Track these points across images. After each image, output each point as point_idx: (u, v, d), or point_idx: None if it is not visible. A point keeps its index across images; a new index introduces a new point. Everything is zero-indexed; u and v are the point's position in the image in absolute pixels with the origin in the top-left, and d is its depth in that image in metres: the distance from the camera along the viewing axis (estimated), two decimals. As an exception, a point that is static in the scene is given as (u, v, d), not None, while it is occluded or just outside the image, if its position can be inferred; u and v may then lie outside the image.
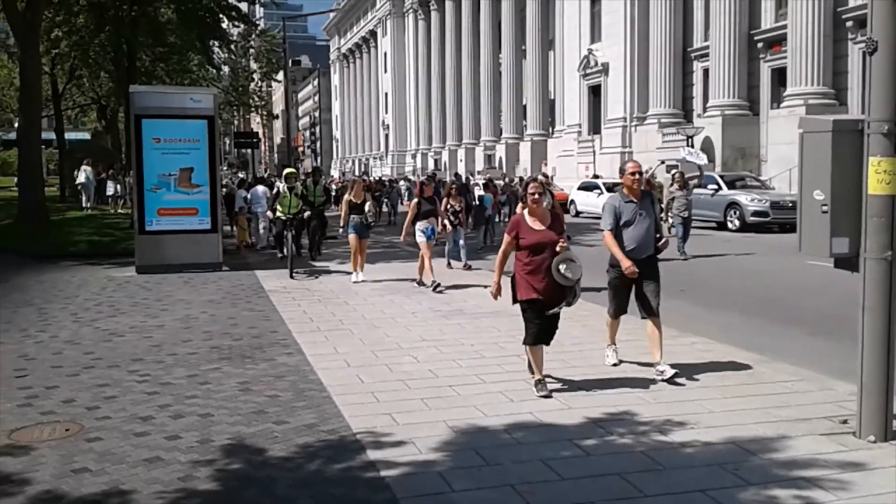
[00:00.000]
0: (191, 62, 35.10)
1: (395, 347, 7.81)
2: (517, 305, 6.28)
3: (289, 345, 7.97)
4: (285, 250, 14.73)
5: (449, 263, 14.09)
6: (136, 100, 14.03)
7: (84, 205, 30.19)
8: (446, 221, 13.67)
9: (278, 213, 14.40)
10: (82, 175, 31.00)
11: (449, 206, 13.80)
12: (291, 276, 12.89)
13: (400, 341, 8.08)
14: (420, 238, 12.12)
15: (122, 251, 16.04)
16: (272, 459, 4.81)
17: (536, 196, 6.14)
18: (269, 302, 10.64)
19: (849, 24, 27.69)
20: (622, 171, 6.80)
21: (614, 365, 7.01)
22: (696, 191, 25.69)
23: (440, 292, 11.21)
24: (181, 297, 11.04)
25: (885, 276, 4.94)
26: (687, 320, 9.36)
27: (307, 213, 14.48)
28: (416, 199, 12.48)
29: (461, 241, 14.17)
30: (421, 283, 11.92)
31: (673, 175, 17.83)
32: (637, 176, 6.67)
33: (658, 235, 6.79)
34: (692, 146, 32.00)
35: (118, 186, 31.02)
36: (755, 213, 21.87)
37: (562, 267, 5.96)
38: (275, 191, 16.58)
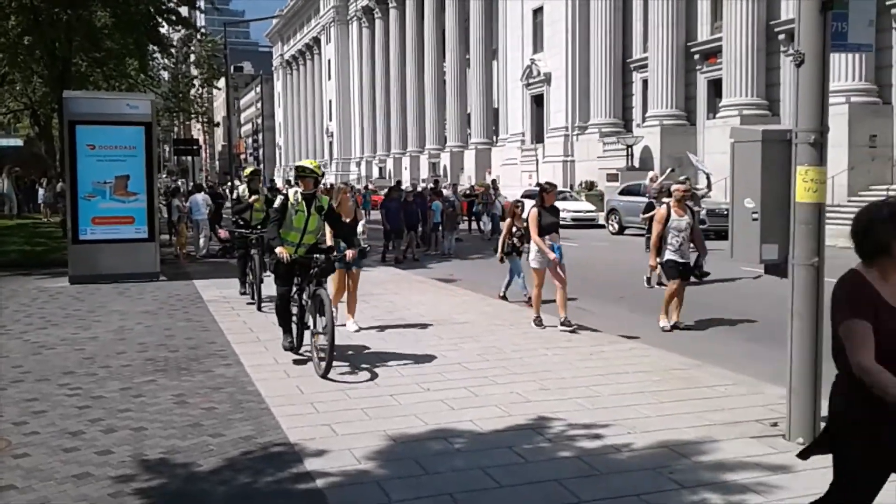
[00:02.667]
0: (129, 67, 34.34)
1: (337, 357, 7.73)
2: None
3: (227, 356, 7.83)
4: (249, 278, 11.46)
5: (504, 295, 11.59)
6: (70, 105, 13.67)
7: (6, 213, 29.43)
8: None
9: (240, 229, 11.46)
10: (3, 184, 30.26)
11: (515, 230, 11.03)
12: (259, 308, 10.48)
13: (341, 351, 8.00)
14: (535, 263, 9.29)
15: (55, 261, 15.58)
16: (206, 473, 4.71)
17: None
18: (207, 312, 10.45)
19: (781, 37, 28.58)
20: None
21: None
22: (633, 198, 26.20)
23: (573, 330, 8.83)
24: (116, 308, 10.76)
25: (812, 282, 5.09)
26: (625, 326, 9.50)
27: (255, 235, 11.06)
28: (534, 209, 9.30)
29: (521, 270, 11.32)
30: (539, 323, 9.17)
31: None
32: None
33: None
34: (632, 155, 32.59)
35: (48, 194, 30.24)
36: (692, 221, 22.35)
37: None
38: (235, 195, 12.53)
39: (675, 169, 26.94)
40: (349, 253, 7.68)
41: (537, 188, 10.00)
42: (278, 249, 7.16)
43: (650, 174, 20.59)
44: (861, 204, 18.65)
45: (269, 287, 9.20)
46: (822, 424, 5.15)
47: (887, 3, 24.57)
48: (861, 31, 5.29)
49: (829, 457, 3.16)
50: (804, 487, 4.39)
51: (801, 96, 5.08)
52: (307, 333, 7.47)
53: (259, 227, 11.08)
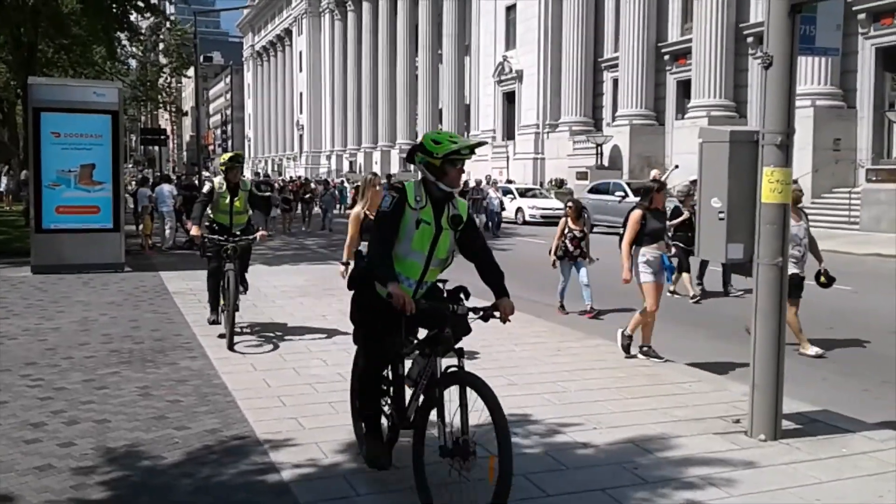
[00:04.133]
0: (96, 54, 33.81)
1: (304, 351, 7.70)
2: None
3: (193, 348, 7.75)
4: (221, 303, 8.53)
5: (562, 306, 10.64)
6: (35, 92, 13.44)
7: None
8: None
9: (207, 233, 8.34)
10: None
11: (568, 231, 10.41)
12: (231, 348, 7.63)
13: (309, 344, 7.98)
14: (646, 276, 7.58)
15: (17, 250, 15.31)
16: (171, 466, 4.66)
17: None
18: (173, 304, 10.33)
19: (749, 39, 28.97)
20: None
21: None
22: (601, 197, 26.28)
23: (648, 354, 7.63)
24: (80, 299, 10.60)
25: (776, 281, 5.17)
26: (593, 323, 9.58)
27: (231, 245, 8.14)
28: (637, 211, 7.74)
29: (585, 278, 10.40)
30: (648, 352, 7.60)
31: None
32: None
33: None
34: (601, 154, 32.82)
35: (11, 182, 29.69)
36: (660, 220, 22.62)
37: None
38: (206, 188, 8.94)
39: (678, 166, 26.86)
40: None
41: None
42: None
43: (653, 173, 20.11)
44: (825, 206, 18.94)
45: (249, 314, 8.88)
46: (784, 420, 5.26)
47: (853, 8, 25.01)
48: (828, 35, 5.38)
49: (790, 453, 3.20)
50: (766, 482, 4.47)
51: (769, 98, 5.16)
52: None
53: (240, 233, 8.37)
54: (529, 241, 21.39)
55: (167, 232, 18.32)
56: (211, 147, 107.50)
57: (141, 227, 18.21)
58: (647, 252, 7.59)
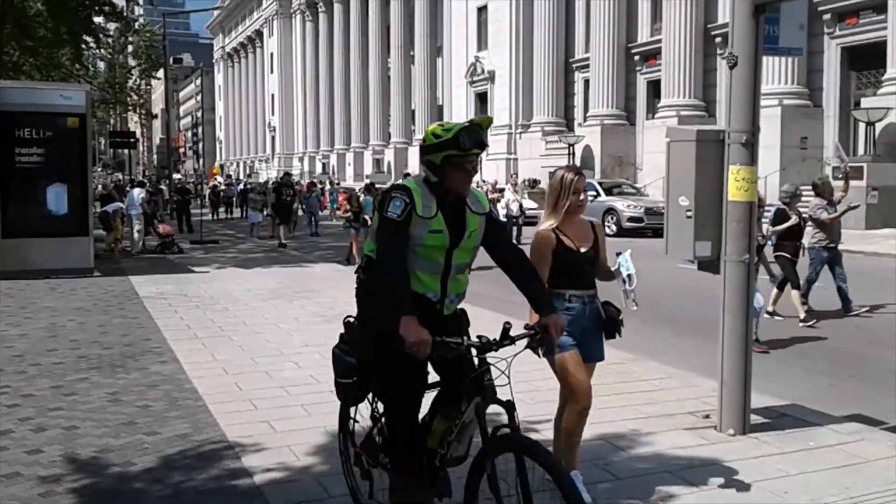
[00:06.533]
0: (62, 57, 33.36)
1: (277, 353, 7.66)
2: None
3: (163, 353, 7.68)
4: None
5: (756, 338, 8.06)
6: (1, 95, 13.23)
7: None
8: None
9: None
10: None
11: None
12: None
13: (282, 347, 7.94)
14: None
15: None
16: (141, 472, 4.61)
17: None
18: (143, 309, 10.23)
19: (717, 40, 29.28)
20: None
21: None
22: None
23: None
24: (47, 305, 10.46)
25: (743, 278, 5.24)
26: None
27: None
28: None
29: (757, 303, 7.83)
30: None
31: (816, 183, 10.94)
32: None
33: None
34: (573, 154, 32.92)
35: None
36: (631, 219, 22.85)
37: None
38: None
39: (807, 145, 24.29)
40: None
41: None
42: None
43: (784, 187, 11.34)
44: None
45: (220, 317, 8.57)
46: (753, 415, 5.33)
47: (819, 8, 25.40)
48: (792, 35, 5.47)
49: (759, 447, 3.23)
50: (735, 477, 4.52)
51: (734, 97, 5.22)
52: None
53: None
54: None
55: (135, 236, 18.17)
56: (181, 150, 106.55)
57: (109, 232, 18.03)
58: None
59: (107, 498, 4.28)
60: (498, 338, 3.31)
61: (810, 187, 10.74)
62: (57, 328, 8.91)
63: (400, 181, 3.83)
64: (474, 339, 3.32)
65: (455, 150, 3.29)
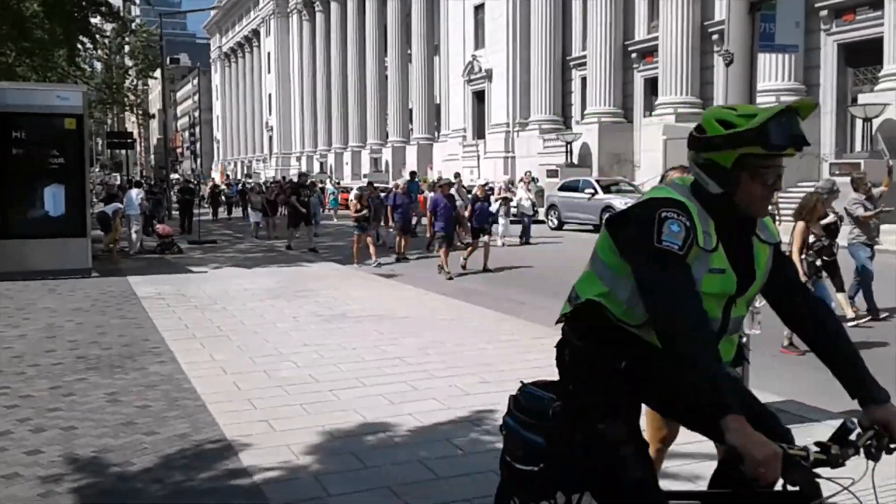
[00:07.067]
0: (59, 58, 33.33)
1: (275, 353, 7.66)
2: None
3: (162, 353, 7.68)
4: None
5: (791, 343, 8.10)
6: (-2, 96, 13.25)
7: None
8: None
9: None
10: None
11: (814, 240, 8.24)
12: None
13: (280, 347, 7.94)
14: None
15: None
16: (140, 472, 4.62)
17: None
18: (141, 309, 10.22)
19: (714, 37, 29.31)
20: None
21: None
22: (572, 194, 26.22)
23: None
24: (45, 305, 10.46)
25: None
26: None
27: None
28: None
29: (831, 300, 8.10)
30: None
31: (853, 178, 10.36)
32: None
33: None
34: (571, 152, 32.99)
35: None
36: (629, 217, 22.76)
37: None
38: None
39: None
40: None
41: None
42: None
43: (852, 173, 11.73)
44: (790, 199, 18.86)
45: (218, 317, 8.66)
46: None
47: (815, 5, 25.43)
48: (788, 32, 5.48)
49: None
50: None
51: (731, 94, 5.25)
52: None
53: None
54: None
55: (133, 236, 18.17)
56: (179, 150, 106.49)
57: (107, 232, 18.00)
58: None
59: (105, 497, 4.28)
60: (834, 441, 2.26)
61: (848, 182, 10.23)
62: (55, 329, 8.91)
63: (658, 189, 2.44)
64: (810, 445, 2.21)
65: (759, 148, 2.16)
